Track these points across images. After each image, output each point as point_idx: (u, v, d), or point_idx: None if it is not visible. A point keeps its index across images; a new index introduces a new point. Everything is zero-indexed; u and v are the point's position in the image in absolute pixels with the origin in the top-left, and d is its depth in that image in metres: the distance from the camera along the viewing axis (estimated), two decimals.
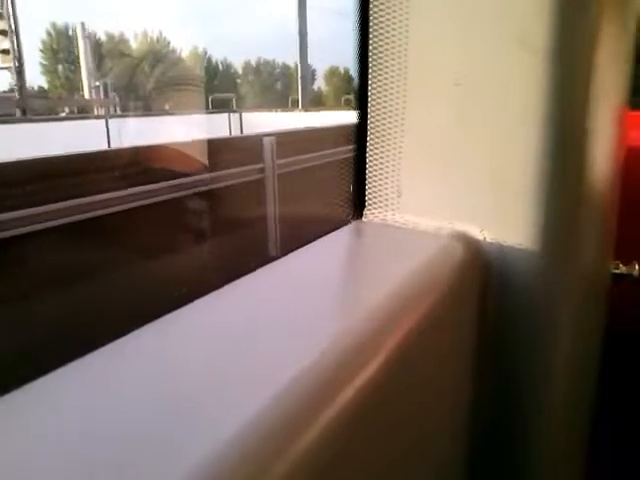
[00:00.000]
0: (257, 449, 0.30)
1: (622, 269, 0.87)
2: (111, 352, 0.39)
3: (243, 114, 12.95)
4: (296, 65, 19.78)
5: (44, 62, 26.59)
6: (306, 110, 17.29)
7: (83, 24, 16.95)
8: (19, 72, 12.51)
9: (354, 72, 0.71)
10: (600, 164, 0.68)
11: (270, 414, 0.32)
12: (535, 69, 0.60)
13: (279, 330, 0.43)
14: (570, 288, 0.67)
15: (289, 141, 5.97)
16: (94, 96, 16.40)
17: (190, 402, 0.33)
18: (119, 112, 15.55)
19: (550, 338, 0.66)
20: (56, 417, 0.32)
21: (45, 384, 0.35)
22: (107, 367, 0.38)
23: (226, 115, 12.42)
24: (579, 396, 0.73)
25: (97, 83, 16.64)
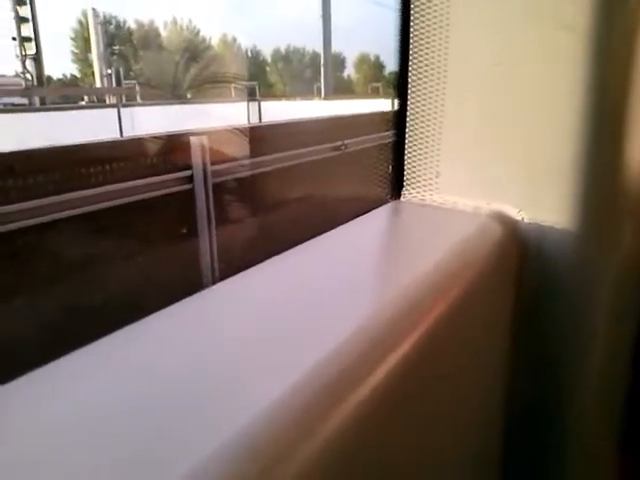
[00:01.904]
0: (300, 414, 0.33)
1: None
2: (160, 318, 0.43)
3: (262, 103, 13.04)
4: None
5: (75, 50, 27.44)
6: (326, 99, 17.30)
7: (94, 10, 17.25)
8: (36, 60, 12.81)
9: (391, 58, 0.76)
10: (638, 148, 0.72)
11: (308, 384, 0.35)
12: (574, 51, 0.64)
13: (317, 304, 0.47)
14: (607, 270, 0.71)
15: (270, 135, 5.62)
16: (105, 84, 16.65)
17: (229, 370, 0.37)
18: (139, 101, 15.81)
19: (586, 319, 0.70)
20: (97, 382, 0.35)
21: (88, 352, 0.38)
22: (152, 335, 0.41)
23: (245, 104, 12.52)
24: (613, 378, 0.77)
25: (109, 71, 16.90)
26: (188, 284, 4.22)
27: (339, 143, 6.07)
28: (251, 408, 0.32)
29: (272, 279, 0.53)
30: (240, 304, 0.47)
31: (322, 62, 19.83)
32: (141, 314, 0.41)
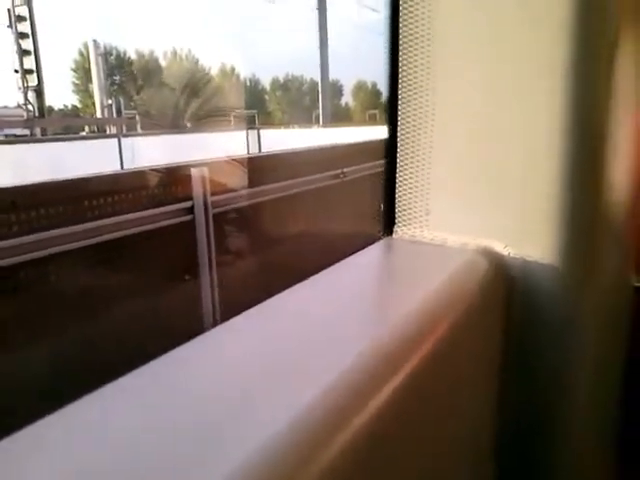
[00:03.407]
0: (305, 441, 0.36)
1: None
2: (182, 354, 0.46)
3: (262, 131, 13.20)
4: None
5: (76, 81, 27.81)
6: (324, 126, 17.49)
7: (95, 41, 17.53)
8: (37, 91, 13.00)
9: (384, 90, 0.80)
10: (620, 178, 0.75)
11: (311, 411, 0.38)
12: (555, 90, 0.67)
13: (316, 339, 0.50)
14: (592, 301, 0.74)
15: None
16: (106, 114, 16.84)
17: (239, 400, 0.40)
18: (140, 131, 16.09)
19: (574, 351, 0.73)
20: (131, 413, 0.39)
21: (122, 384, 0.41)
22: (177, 369, 0.45)
23: (244, 133, 12.68)
24: (603, 408, 0.79)
25: (109, 101, 17.11)
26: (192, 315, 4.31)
27: (338, 171, 6.15)
28: (253, 440, 0.35)
29: (274, 317, 0.55)
30: (243, 344, 0.50)
31: (320, 90, 20.05)
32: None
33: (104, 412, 0.39)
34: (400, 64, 0.76)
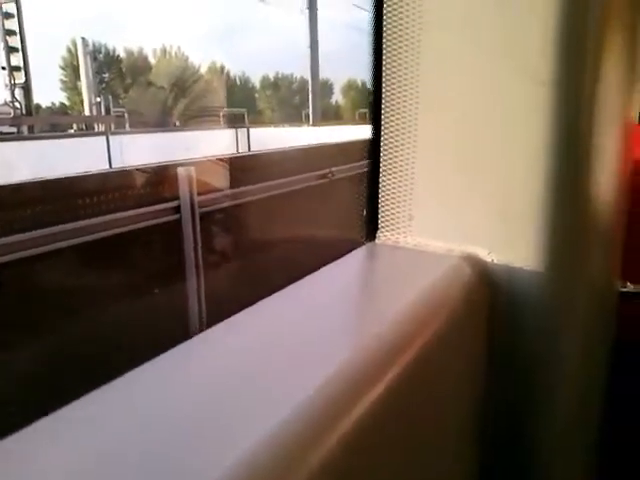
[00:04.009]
0: (282, 454, 0.35)
1: (630, 287, 0.94)
2: (156, 367, 0.45)
3: (251, 130, 13.18)
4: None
5: (64, 79, 27.66)
6: (314, 125, 17.53)
7: (84, 39, 17.42)
8: (25, 88, 12.93)
9: (369, 95, 0.79)
10: (606, 184, 0.74)
11: (290, 424, 0.37)
12: (540, 98, 0.67)
13: (297, 349, 0.49)
14: (577, 307, 0.73)
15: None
16: (94, 112, 16.76)
17: (218, 413, 0.39)
18: (128, 128, 16.09)
19: (558, 357, 0.72)
20: (113, 426, 0.37)
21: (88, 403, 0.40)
22: (160, 377, 0.44)
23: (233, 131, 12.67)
24: (587, 415, 0.79)
25: (98, 99, 17.03)
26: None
27: (326, 171, 6.17)
28: (232, 451, 0.34)
29: (255, 324, 0.54)
30: (222, 354, 0.49)
31: (310, 89, 20.06)
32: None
33: (98, 413, 0.38)
34: (384, 66, 0.76)
